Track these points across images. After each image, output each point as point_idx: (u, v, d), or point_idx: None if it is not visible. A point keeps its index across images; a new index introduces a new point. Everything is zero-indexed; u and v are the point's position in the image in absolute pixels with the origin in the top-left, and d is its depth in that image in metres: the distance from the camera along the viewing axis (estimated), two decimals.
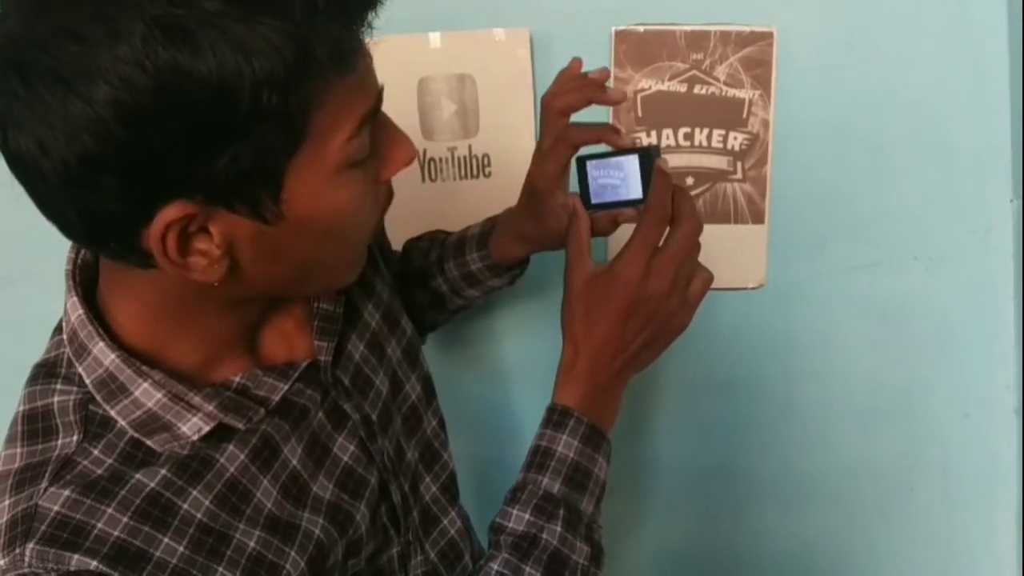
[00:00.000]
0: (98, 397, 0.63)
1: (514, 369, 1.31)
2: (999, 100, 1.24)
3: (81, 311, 0.64)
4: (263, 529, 0.66)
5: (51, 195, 0.55)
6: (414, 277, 1.03)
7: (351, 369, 0.78)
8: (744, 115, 1.23)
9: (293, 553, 0.67)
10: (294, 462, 0.71)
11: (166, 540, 0.61)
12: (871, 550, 1.36)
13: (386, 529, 0.79)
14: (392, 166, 0.66)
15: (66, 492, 0.59)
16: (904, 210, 1.27)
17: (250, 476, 0.67)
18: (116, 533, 0.59)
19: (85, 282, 0.67)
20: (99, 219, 0.55)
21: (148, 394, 0.63)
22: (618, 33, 1.20)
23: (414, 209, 1.13)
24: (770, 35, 1.20)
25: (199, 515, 0.63)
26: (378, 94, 0.62)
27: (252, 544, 0.65)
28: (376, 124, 0.63)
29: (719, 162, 1.24)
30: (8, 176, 0.55)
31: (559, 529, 0.71)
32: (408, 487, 0.82)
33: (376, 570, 0.78)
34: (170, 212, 0.55)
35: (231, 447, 0.67)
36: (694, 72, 1.22)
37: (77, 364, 0.64)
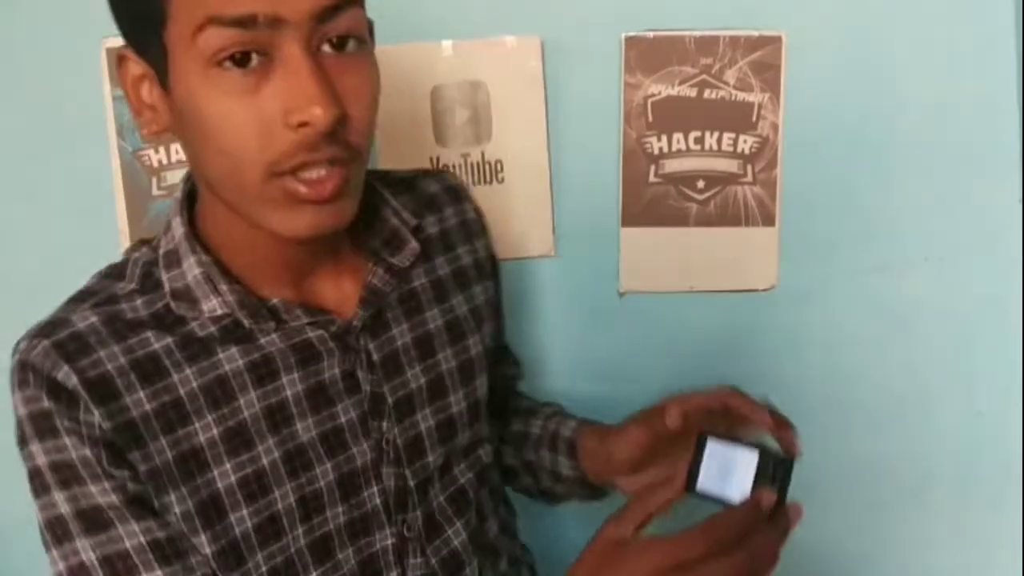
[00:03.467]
0: (161, 263, 0.75)
1: None
2: (1008, 101, 1.24)
3: (181, 206, 0.77)
4: (223, 432, 0.73)
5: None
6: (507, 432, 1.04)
7: (386, 350, 0.81)
8: (754, 118, 1.24)
9: (230, 464, 0.73)
10: (287, 393, 0.75)
11: (141, 395, 0.70)
12: (885, 550, 1.36)
13: (374, 511, 0.80)
14: (287, 113, 0.64)
15: (93, 318, 0.71)
16: (914, 211, 1.28)
17: (240, 382, 0.74)
18: (107, 367, 0.69)
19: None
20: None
21: (191, 268, 0.74)
22: (628, 39, 1.21)
23: None
24: (779, 39, 1.21)
25: (181, 391, 0.72)
26: (249, 10, 0.62)
27: (203, 438, 0.72)
28: (285, 61, 0.64)
29: (729, 165, 1.25)
30: None
31: None
32: (414, 483, 0.82)
33: (368, 557, 0.80)
34: (124, 51, 0.69)
35: (235, 350, 0.74)
36: (704, 77, 1.23)
37: (162, 238, 0.77)
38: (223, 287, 0.74)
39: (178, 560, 0.70)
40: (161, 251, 0.76)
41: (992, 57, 1.23)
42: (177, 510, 0.71)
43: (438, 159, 1.22)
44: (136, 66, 0.70)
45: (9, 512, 1.23)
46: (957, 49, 1.23)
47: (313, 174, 0.66)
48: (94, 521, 0.68)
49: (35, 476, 0.69)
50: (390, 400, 0.81)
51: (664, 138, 1.24)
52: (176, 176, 1.23)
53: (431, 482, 0.84)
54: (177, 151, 1.23)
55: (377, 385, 0.80)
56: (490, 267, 0.96)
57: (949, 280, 1.30)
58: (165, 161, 1.23)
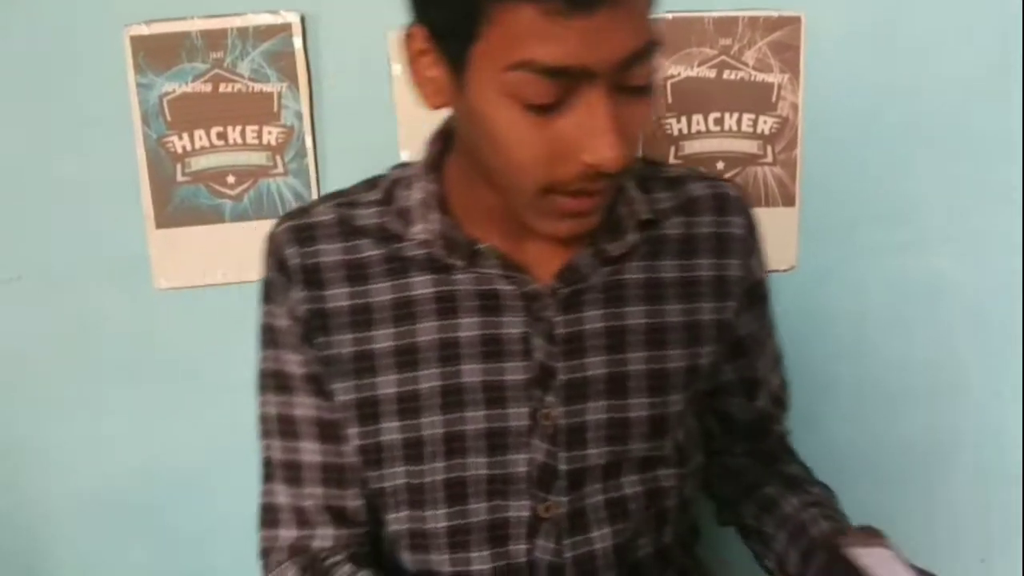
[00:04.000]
0: (401, 183, 0.83)
1: None
2: None
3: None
4: (396, 347, 0.79)
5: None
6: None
7: (573, 328, 0.81)
8: (773, 99, 1.24)
9: (393, 377, 0.79)
10: (462, 334, 0.79)
11: (341, 291, 0.79)
12: (910, 523, 1.36)
13: (515, 478, 0.80)
14: (580, 150, 0.67)
15: (331, 215, 0.82)
16: (934, 192, 1.28)
17: (424, 309, 0.79)
18: (323, 259, 0.80)
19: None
20: None
21: (417, 192, 0.81)
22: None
23: None
24: (798, 20, 1.21)
25: (373, 299, 0.80)
26: (563, 63, 0.63)
27: (378, 346, 0.79)
28: (586, 102, 0.65)
29: (749, 146, 1.25)
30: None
31: None
32: (566, 468, 0.81)
33: (500, 521, 0.81)
34: (415, 29, 0.71)
35: (428, 278, 0.80)
36: (723, 58, 1.23)
37: (415, 162, 0.84)
38: (434, 215, 0.79)
39: (335, 442, 0.82)
40: (408, 172, 0.83)
41: (1010, 37, 1.23)
42: (340, 398, 0.80)
43: None
44: (422, 43, 0.71)
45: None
46: (975, 29, 1.23)
47: (582, 194, 0.70)
48: (279, 384, 0.83)
49: (259, 332, 0.84)
50: (561, 378, 0.80)
51: (684, 120, 1.25)
52: (201, 163, 1.25)
53: (588, 477, 0.82)
54: (201, 137, 1.24)
55: (551, 358, 0.80)
56: (742, 291, 0.88)
57: (971, 259, 1.30)
58: (190, 147, 1.24)
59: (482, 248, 0.79)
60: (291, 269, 0.80)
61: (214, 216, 1.26)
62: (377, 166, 1.21)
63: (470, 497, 0.80)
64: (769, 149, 1.25)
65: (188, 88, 1.23)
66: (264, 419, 0.84)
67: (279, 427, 0.83)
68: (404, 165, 0.86)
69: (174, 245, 1.27)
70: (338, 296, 0.80)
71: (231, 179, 1.26)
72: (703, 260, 0.86)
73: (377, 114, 1.23)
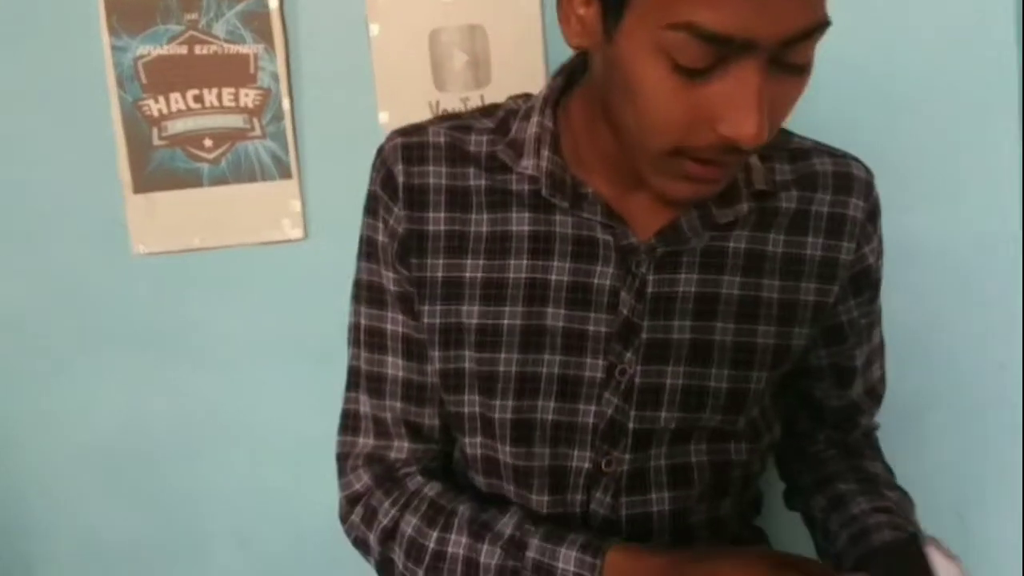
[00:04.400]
0: (520, 114, 0.82)
1: None
2: (1007, 38, 1.24)
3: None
4: (485, 279, 0.80)
5: None
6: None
7: (664, 289, 0.79)
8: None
9: (478, 308, 0.80)
10: (552, 276, 0.79)
11: (441, 215, 0.80)
12: None
13: (581, 427, 0.79)
14: (720, 120, 0.64)
15: (443, 138, 0.82)
16: (915, 150, 1.28)
17: (519, 246, 0.79)
18: (429, 180, 0.80)
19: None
20: None
21: (532, 126, 0.80)
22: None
23: None
24: None
25: (471, 228, 0.80)
26: (729, 31, 0.60)
27: (468, 275, 0.80)
28: (739, 73, 0.63)
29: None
30: None
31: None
32: (634, 427, 0.79)
33: (561, 468, 0.80)
34: None
35: (527, 215, 0.80)
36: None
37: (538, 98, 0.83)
38: (545, 152, 0.79)
39: (419, 360, 0.83)
40: (527, 105, 0.83)
41: None
42: (426, 321, 0.81)
43: (438, 103, 1.23)
44: None
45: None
46: None
47: (711, 163, 0.68)
48: (373, 296, 0.84)
49: (360, 242, 0.85)
50: (644, 336, 0.79)
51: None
52: (178, 126, 1.24)
53: (656, 439, 0.80)
54: (177, 100, 1.23)
55: (636, 315, 0.79)
56: (849, 275, 0.84)
57: (951, 217, 1.31)
58: (166, 111, 1.23)
59: (587, 192, 0.79)
60: (396, 186, 0.81)
61: (192, 180, 1.25)
62: (355, 128, 1.22)
63: (536, 440, 0.80)
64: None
65: (163, 50, 1.22)
66: (355, 328, 0.85)
67: (367, 338, 0.84)
68: (526, 96, 0.85)
69: (152, 210, 1.26)
70: (437, 220, 0.80)
71: (208, 142, 1.24)
72: (813, 238, 0.82)
73: (355, 75, 1.22)
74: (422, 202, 0.80)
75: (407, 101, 1.22)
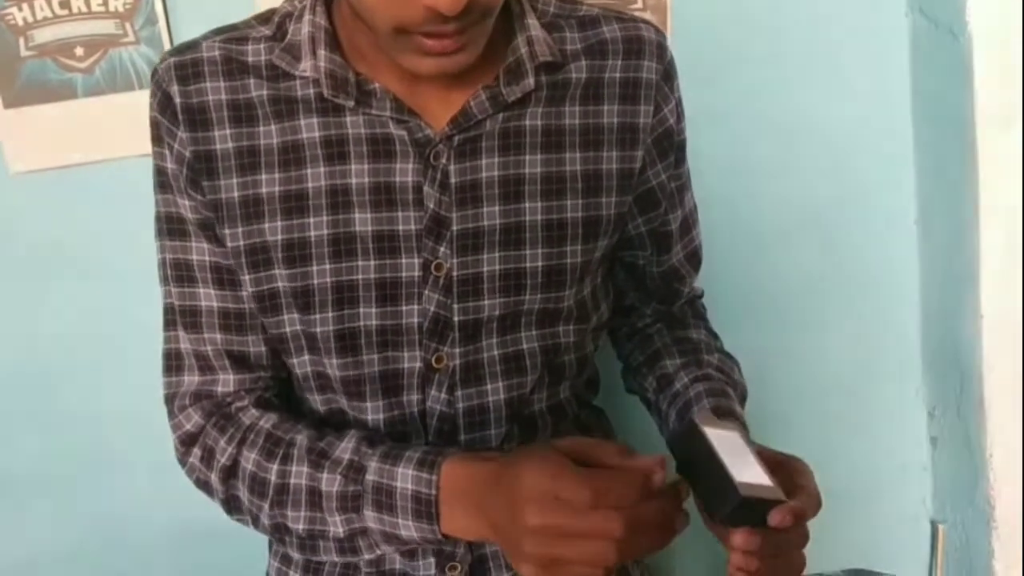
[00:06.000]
0: (293, 16, 0.78)
1: None
2: None
3: None
4: (283, 192, 0.77)
5: None
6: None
7: (467, 177, 0.78)
8: None
9: (281, 224, 0.77)
10: (352, 180, 0.77)
11: (227, 132, 0.76)
12: (782, 354, 1.44)
13: (407, 328, 0.79)
14: None
15: (217, 52, 0.77)
16: (804, 22, 1.30)
17: (312, 154, 0.76)
18: (208, 98, 0.76)
19: None
20: None
21: (305, 26, 0.76)
22: None
23: None
24: None
25: (260, 141, 0.76)
26: None
27: (265, 191, 0.77)
28: None
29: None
30: None
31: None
32: (459, 319, 0.79)
33: (392, 372, 0.80)
34: None
35: (316, 121, 0.76)
36: None
37: None
38: (321, 52, 0.75)
39: (232, 287, 0.80)
40: (300, 6, 0.79)
41: None
42: (230, 245, 0.78)
43: None
44: None
45: None
46: None
47: (438, 35, 0.67)
48: (173, 228, 0.80)
49: (153, 174, 0.80)
50: (455, 228, 0.78)
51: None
52: (45, 35, 1.18)
53: (484, 330, 0.80)
54: (43, 7, 1.17)
55: (443, 208, 0.77)
56: (651, 140, 0.84)
57: (838, 98, 1.33)
58: (31, 19, 1.17)
59: (373, 88, 0.76)
60: (175, 108, 0.76)
61: (66, 92, 1.20)
62: None
63: (363, 348, 0.79)
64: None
65: None
66: (162, 264, 0.82)
67: (175, 273, 0.81)
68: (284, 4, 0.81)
69: (25, 125, 1.21)
70: (224, 138, 0.76)
71: (80, 51, 1.19)
72: (609, 106, 0.81)
73: None
74: (204, 121, 0.76)
75: None
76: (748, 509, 0.64)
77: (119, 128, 1.22)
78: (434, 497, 0.72)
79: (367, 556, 0.79)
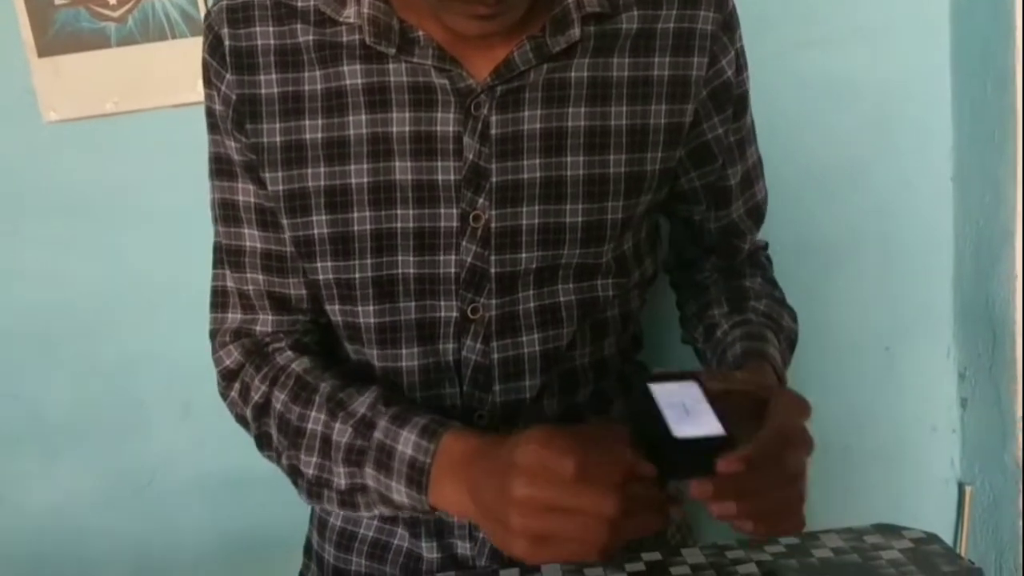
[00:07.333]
0: None
1: None
2: None
3: None
4: (325, 139, 0.77)
5: None
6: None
7: (509, 129, 0.77)
8: None
9: (323, 170, 0.77)
10: (394, 129, 0.77)
11: (273, 77, 0.77)
12: (813, 309, 1.41)
13: (444, 278, 0.79)
14: None
15: None
16: None
17: (355, 101, 0.76)
18: (257, 42, 0.77)
19: None
20: None
21: None
22: None
23: None
24: None
25: (305, 87, 0.77)
26: None
27: (308, 136, 0.77)
28: None
29: None
30: None
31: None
32: (496, 271, 0.79)
33: (429, 320, 0.80)
34: None
35: (359, 67, 0.76)
36: None
37: None
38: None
39: (275, 230, 0.81)
40: None
41: None
42: (271, 188, 0.79)
43: None
44: None
45: None
46: None
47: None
48: (221, 168, 0.82)
49: (205, 114, 0.82)
50: (494, 180, 0.77)
51: None
52: None
53: (520, 282, 0.80)
54: None
55: (483, 159, 0.77)
56: (707, 92, 0.81)
57: (876, 54, 1.30)
58: None
59: (417, 36, 0.75)
60: (224, 51, 0.77)
61: (99, 41, 1.21)
62: None
63: (400, 295, 0.79)
64: None
65: None
66: (212, 204, 0.84)
67: (222, 212, 0.83)
68: None
69: (59, 74, 1.21)
70: (270, 83, 0.77)
71: (112, 0, 1.19)
72: (659, 58, 0.79)
73: None
74: (252, 65, 0.77)
75: None
76: (693, 459, 0.62)
77: (153, 79, 1.22)
78: (427, 465, 0.72)
79: (364, 513, 0.80)
